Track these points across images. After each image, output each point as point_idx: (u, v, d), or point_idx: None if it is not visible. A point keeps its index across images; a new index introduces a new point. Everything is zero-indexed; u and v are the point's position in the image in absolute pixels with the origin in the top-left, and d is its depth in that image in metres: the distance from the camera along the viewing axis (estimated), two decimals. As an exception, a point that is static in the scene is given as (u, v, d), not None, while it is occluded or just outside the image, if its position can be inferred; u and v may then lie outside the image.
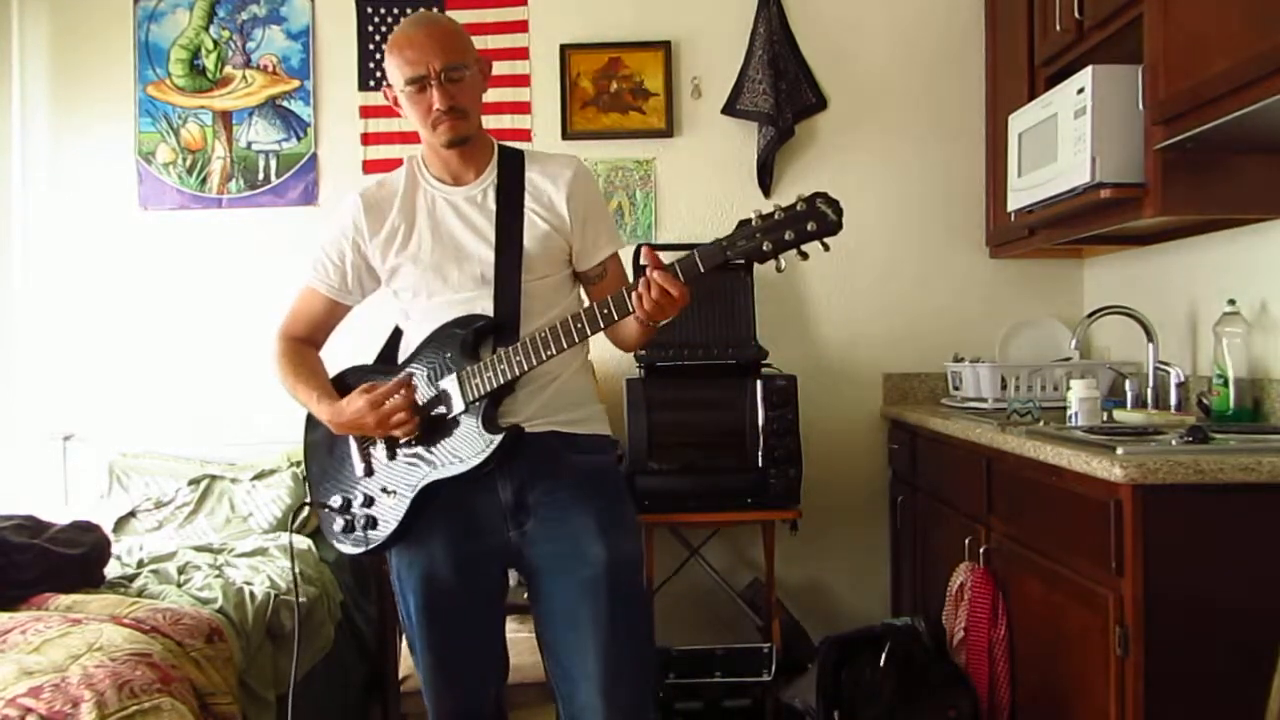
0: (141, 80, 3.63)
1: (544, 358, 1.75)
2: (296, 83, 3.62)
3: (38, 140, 3.62)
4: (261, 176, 3.62)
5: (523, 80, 3.59)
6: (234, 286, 3.62)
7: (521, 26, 3.59)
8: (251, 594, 2.56)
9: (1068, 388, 2.62)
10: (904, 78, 3.54)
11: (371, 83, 3.60)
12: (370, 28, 3.60)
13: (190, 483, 3.33)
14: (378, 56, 3.60)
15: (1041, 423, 2.53)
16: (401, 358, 1.95)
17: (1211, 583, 1.85)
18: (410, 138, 3.58)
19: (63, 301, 3.63)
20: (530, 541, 1.86)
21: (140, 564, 2.76)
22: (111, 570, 2.62)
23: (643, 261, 1.69)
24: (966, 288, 3.54)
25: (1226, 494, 1.84)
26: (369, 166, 3.60)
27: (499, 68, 3.57)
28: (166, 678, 1.96)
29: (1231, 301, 2.49)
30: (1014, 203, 2.96)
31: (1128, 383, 2.85)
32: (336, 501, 1.95)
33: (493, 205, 1.88)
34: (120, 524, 3.24)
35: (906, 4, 3.54)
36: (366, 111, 3.61)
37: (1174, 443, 2.01)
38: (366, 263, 1.95)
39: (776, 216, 1.62)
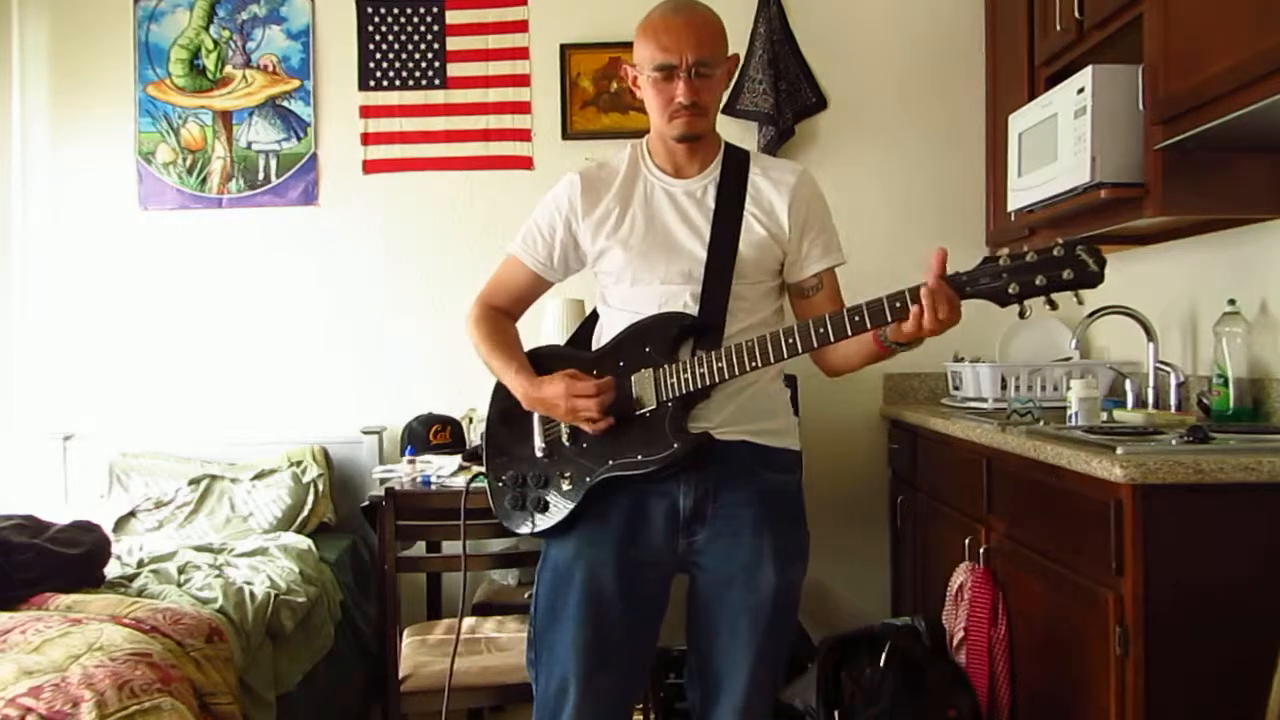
0: (141, 80, 3.63)
1: (747, 369, 1.71)
2: (296, 83, 3.62)
3: (38, 140, 3.62)
4: (261, 176, 3.62)
5: (523, 80, 3.59)
6: (234, 286, 3.62)
7: (521, 26, 3.59)
8: (251, 594, 2.56)
9: (1068, 388, 2.62)
10: (904, 78, 3.54)
11: (371, 82, 3.61)
12: (370, 28, 3.60)
13: (190, 483, 3.34)
14: (377, 56, 3.61)
15: (1041, 423, 2.53)
16: (596, 343, 1.91)
17: (1211, 583, 1.85)
18: (410, 138, 3.59)
19: (63, 301, 3.63)
20: (699, 550, 1.81)
21: (140, 564, 2.77)
22: (111, 570, 2.62)
23: (934, 272, 1.58)
24: (966, 288, 3.53)
25: (1226, 494, 1.84)
26: (369, 166, 3.61)
27: (499, 68, 3.58)
28: (166, 678, 1.96)
29: (1231, 301, 2.49)
30: (1014, 203, 2.96)
31: (1128, 383, 2.85)
32: (510, 477, 1.88)
33: (712, 203, 1.83)
34: (120, 524, 3.24)
35: (906, 4, 3.54)
36: (366, 111, 3.61)
37: (1174, 443, 2.01)
38: (575, 241, 1.90)
39: (1029, 259, 1.53)
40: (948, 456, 2.83)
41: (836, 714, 2.69)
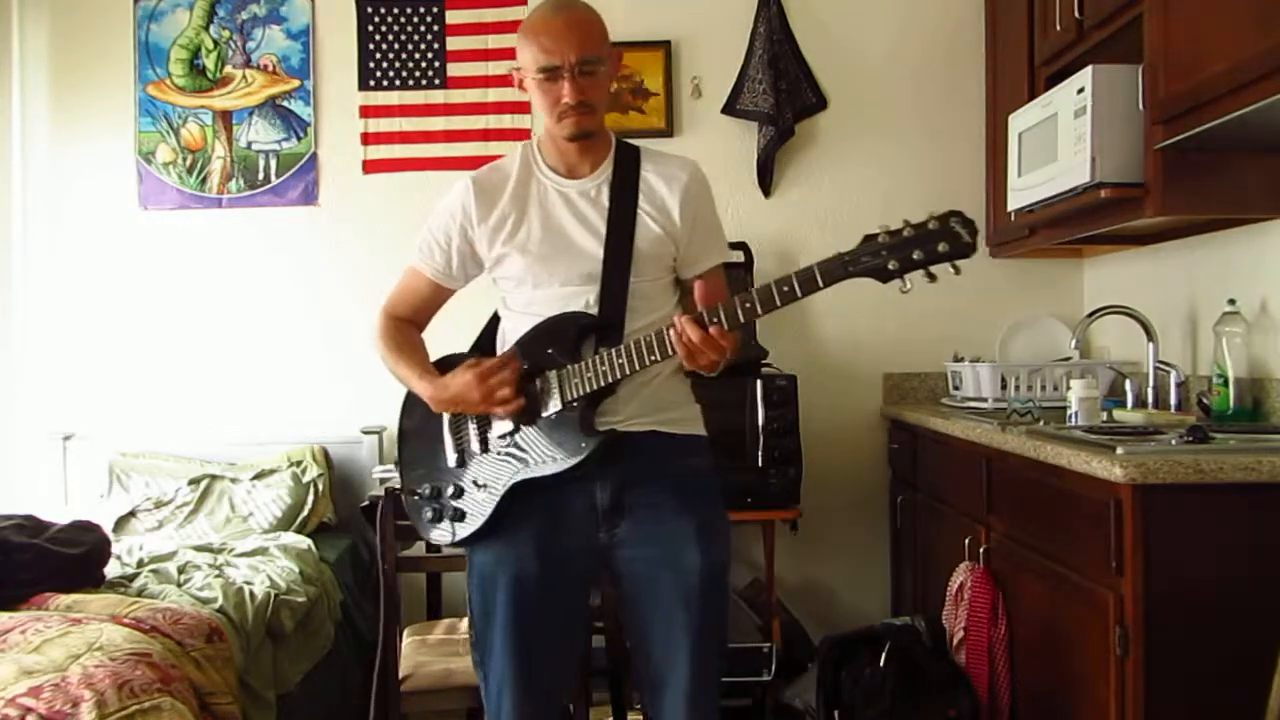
0: (141, 80, 3.63)
1: (647, 363, 1.72)
2: (296, 82, 3.62)
3: (38, 140, 3.62)
4: (261, 176, 3.62)
5: (523, 80, 3.58)
6: (234, 286, 3.62)
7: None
8: (251, 594, 2.56)
9: (1068, 388, 2.62)
10: (904, 78, 3.54)
11: (371, 82, 3.60)
12: (370, 27, 3.60)
13: (190, 483, 3.34)
14: (377, 56, 3.60)
15: (1041, 423, 2.53)
16: (500, 348, 1.92)
17: (1211, 583, 1.85)
18: (410, 138, 3.59)
19: (63, 301, 3.63)
20: (622, 543, 1.82)
21: (140, 564, 2.77)
22: (111, 570, 2.63)
23: (698, 298, 1.66)
24: (966, 288, 3.52)
25: (1226, 494, 1.84)
26: (369, 166, 3.61)
27: (499, 68, 3.58)
28: (166, 677, 1.96)
29: (1231, 301, 2.49)
30: (1014, 202, 2.96)
31: (1128, 383, 2.85)
32: (426, 490, 1.90)
33: (606, 201, 1.84)
34: (120, 524, 3.24)
35: (907, 4, 3.54)
36: (366, 111, 3.61)
37: (1174, 443, 2.01)
38: (472, 248, 1.91)
39: (905, 234, 1.56)
40: (948, 456, 2.83)
41: (836, 714, 2.69)
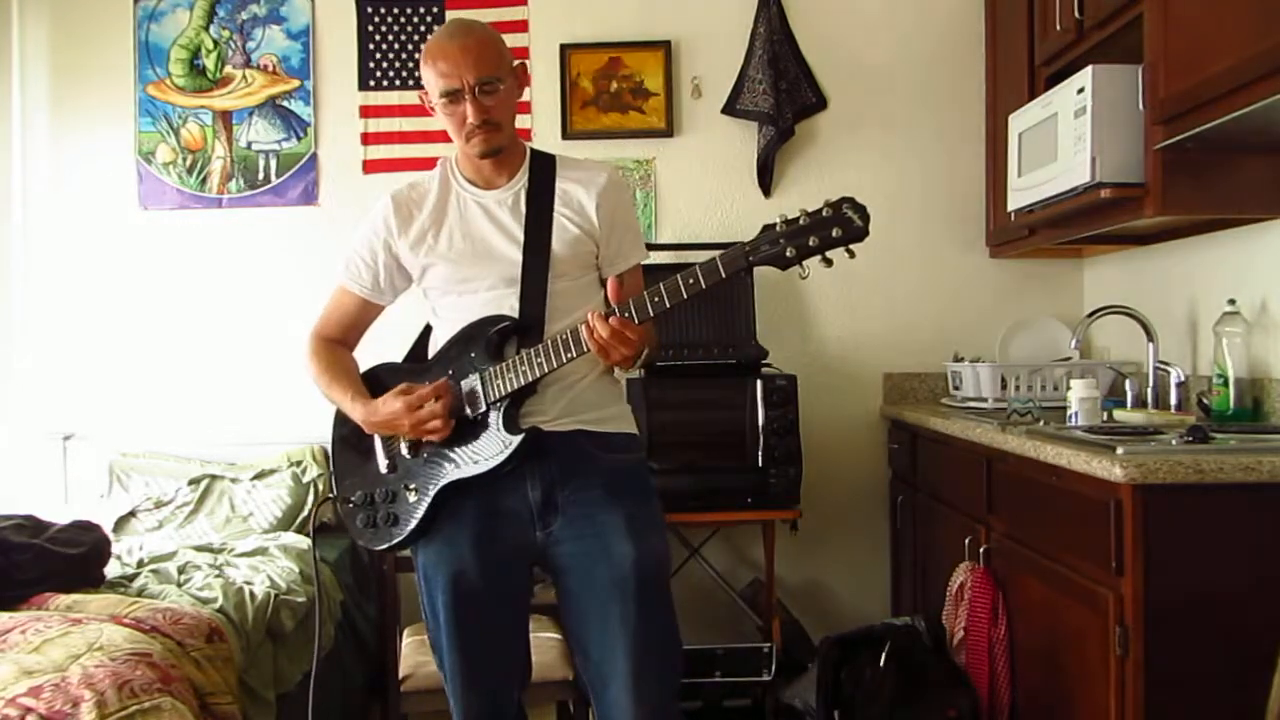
0: (141, 80, 3.63)
1: (564, 360, 1.76)
2: (296, 82, 3.62)
3: (38, 140, 3.62)
4: (261, 176, 3.62)
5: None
6: (234, 286, 3.62)
7: (521, 26, 3.58)
8: (251, 594, 2.56)
9: (1068, 388, 2.62)
10: (904, 78, 3.54)
11: (371, 82, 3.60)
12: (370, 28, 3.60)
13: (190, 483, 3.34)
14: (377, 56, 3.61)
15: (1041, 423, 2.53)
16: (430, 356, 1.97)
17: (1211, 583, 1.85)
18: (410, 138, 3.59)
19: (63, 301, 3.63)
20: (557, 540, 1.85)
21: (140, 564, 2.77)
22: (111, 570, 2.62)
23: (609, 294, 1.72)
24: (966, 288, 3.53)
25: (1226, 494, 1.84)
26: (369, 166, 3.61)
27: (499, 68, 3.57)
28: (166, 677, 1.96)
29: (1231, 301, 2.49)
30: (1014, 202, 2.96)
31: (1128, 383, 2.85)
32: (359, 497, 1.95)
33: (523, 208, 1.90)
34: (120, 524, 3.24)
35: (906, 4, 3.54)
36: (366, 111, 3.61)
37: (1174, 443, 2.01)
38: (397, 262, 1.97)
39: (801, 221, 1.61)
40: (948, 456, 2.83)
41: (836, 714, 2.70)
